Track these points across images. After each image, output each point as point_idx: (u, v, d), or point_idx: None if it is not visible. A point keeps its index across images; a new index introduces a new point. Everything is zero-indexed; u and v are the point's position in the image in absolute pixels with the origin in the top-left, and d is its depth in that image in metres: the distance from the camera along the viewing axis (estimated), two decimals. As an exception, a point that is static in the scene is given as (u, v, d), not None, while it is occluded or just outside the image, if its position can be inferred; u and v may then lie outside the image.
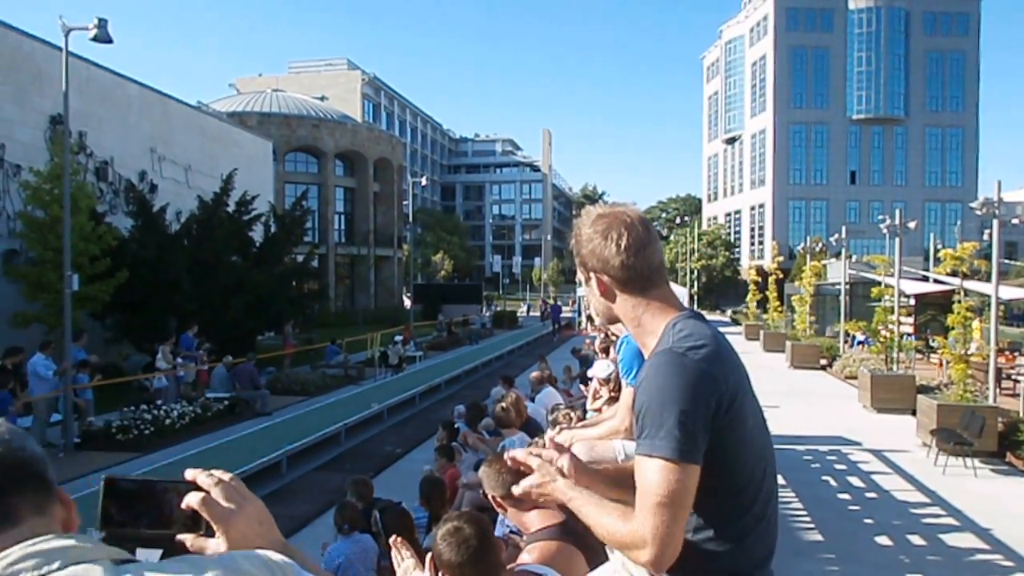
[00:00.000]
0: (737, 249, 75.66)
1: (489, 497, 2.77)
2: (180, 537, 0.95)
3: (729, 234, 77.59)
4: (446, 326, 31.69)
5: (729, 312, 52.01)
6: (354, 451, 11.83)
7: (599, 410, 4.70)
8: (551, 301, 49.09)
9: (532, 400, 7.74)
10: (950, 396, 11.19)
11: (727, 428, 1.46)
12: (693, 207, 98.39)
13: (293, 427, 11.91)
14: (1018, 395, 13.48)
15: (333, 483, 9.29)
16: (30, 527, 0.84)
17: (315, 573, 1.00)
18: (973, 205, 11.99)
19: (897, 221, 16.98)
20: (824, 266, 29.37)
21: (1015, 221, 13.45)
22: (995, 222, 11.38)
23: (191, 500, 0.95)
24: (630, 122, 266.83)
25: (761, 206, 74.72)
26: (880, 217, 19.85)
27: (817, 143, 72.58)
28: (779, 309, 30.22)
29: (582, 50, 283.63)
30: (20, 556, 0.78)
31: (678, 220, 78.67)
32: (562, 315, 38.63)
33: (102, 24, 10.92)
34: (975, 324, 14.99)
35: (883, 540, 7.05)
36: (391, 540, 2.44)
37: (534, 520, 2.50)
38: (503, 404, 5.78)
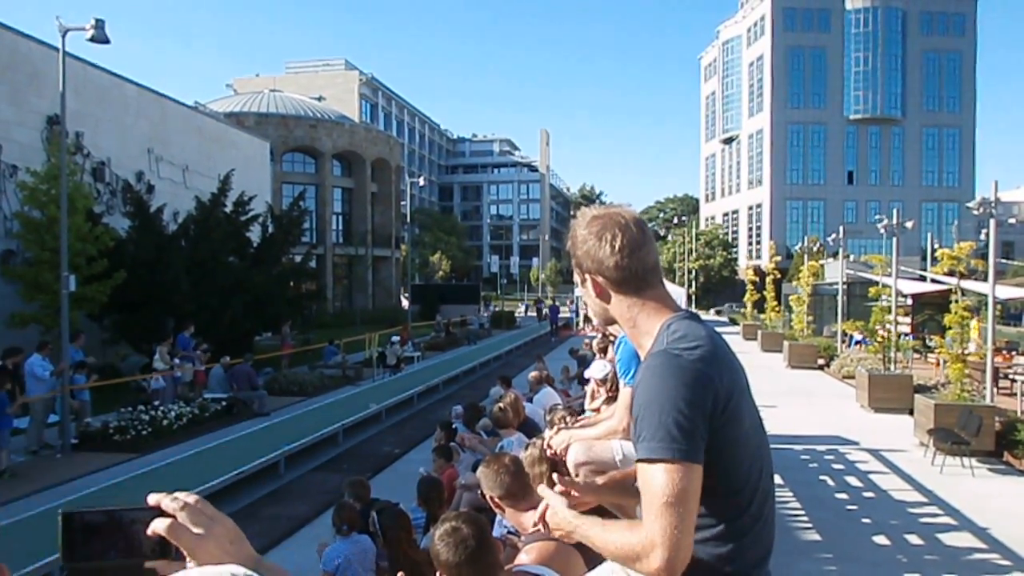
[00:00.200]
0: (735, 249, 75.73)
1: (487, 497, 2.78)
2: (149, 565, 0.93)
3: (727, 234, 77.67)
4: (444, 326, 31.68)
5: (726, 308, 52.12)
6: (352, 451, 11.82)
7: (597, 410, 4.71)
8: (548, 301, 49.11)
9: (531, 400, 7.74)
10: (947, 396, 11.22)
11: (723, 428, 1.46)
12: (691, 207, 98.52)
13: (291, 427, 11.90)
14: (1015, 394, 13.52)
15: (331, 483, 9.28)
16: None
17: None
18: (970, 205, 12.01)
19: (894, 221, 17.01)
20: (822, 266, 29.42)
21: (1012, 221, 13.51)
22: (992, 222, 11.40)
23: (157, 526, 0.91)
24: (628, 122, 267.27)
25: (758, 206, 74.81)
26: (877, 217, 19.87)
27: (814, 143, 72.70)
28: (776, 309, 30.26)
29: (580, 50, 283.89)
30: None
31: (676, 220, 78.64)
32: (560, 315, 38.64)
33: (99, 24, 10.90)
34: (974, 324, 15.03)
35: (881, 539, 7.06)
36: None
37: (532, 520, 2.51)
38: (501, 404, 5.78)
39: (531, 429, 5.73)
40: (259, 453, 9.95)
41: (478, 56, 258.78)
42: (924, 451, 10.45)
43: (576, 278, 1.75)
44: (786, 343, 23.31)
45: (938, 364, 16.61)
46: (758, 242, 73.09)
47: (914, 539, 7.10)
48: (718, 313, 54.53)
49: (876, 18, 71.29)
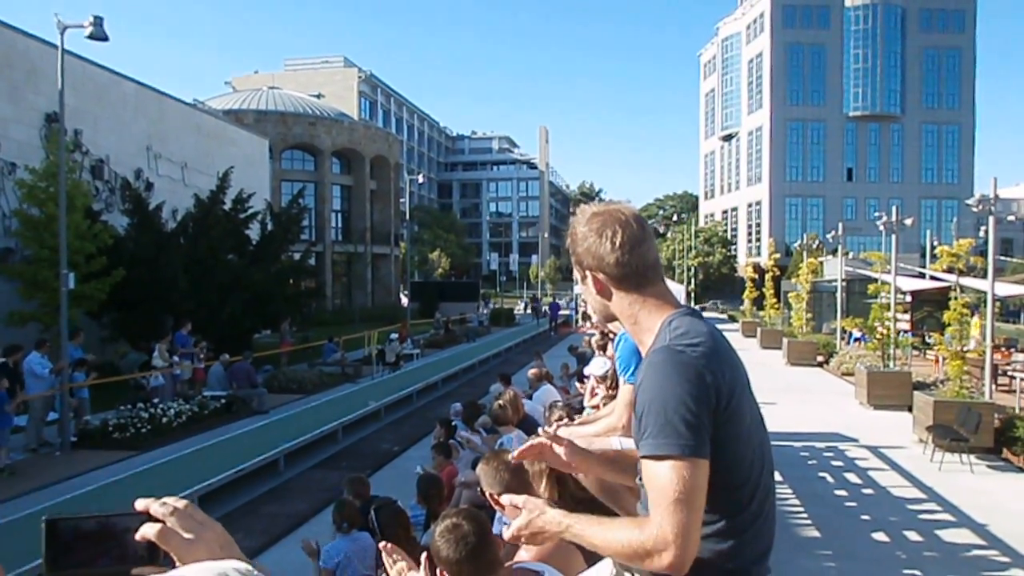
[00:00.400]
0: (734, 246, 75.77)
1: (487, 495, 2.77)
2: (137, 572, 0.91)
3: (726, 231, 77.67)
4: (443, 324, 31.67)
5: (710, 304, 52.11)
6: (351, 449, 11.83)
7: (597, 407, 4.71)
8: (547, 299, 49.10)
9: (530, 398, 7.75)
10: (946, 392, 11.22)
11: (725, 424, 1.45)
12: (690, 204, 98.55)
13: (290, 425, 11.91)
14: (1014, 391, 13.53)
15: (330, 481, 9.29)
16: None
17: None
18: (969, 202, 12.02)
19: (893, 218, 17.00)
20: (821, 263, 29.43)
21: (1011, 218, 13.51)
22: (991, 219, 11.41)
23: (147, 532, 0.90)
24: (627, 119, 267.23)
25: (758, 203, 74.81)
26: (876, 214, 19.85)
27: (814, 140, 72.69)
28: (776, 306, 30.27)
29: (579, 47, 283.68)
30: None
31: (675, 217, 78.73)
32: (560, 312, 38.67)
33: (98, 22, 10.87)
34: (974, 321, 15.04)
35: (880, 536, 7.07)
36: (381, 546, 2.40)
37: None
38: (500, 402, 5.79)
39: (530, 426, 5.73)
40: (258, 451, 9.97)
41: (477, 53, 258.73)
42: (923, 448, 10.46)
43: (576, 275, 1.75)
44: (785, 340, 23.33)
45: (937, 361, 16.62)
46: (757, 239, 73.12)
47: (913, 535, 7.11)
48: (703, 310, 54.64)
49: (875, 15, 71.24)
